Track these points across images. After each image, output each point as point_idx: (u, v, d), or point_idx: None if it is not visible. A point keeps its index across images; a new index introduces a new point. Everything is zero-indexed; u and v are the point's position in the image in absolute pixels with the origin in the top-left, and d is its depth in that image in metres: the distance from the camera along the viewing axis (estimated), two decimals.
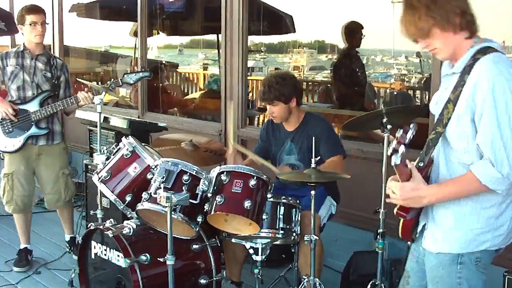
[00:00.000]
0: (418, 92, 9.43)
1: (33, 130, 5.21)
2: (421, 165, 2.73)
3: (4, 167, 5.41)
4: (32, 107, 5.20)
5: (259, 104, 8.45)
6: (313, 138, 4.12)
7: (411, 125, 2.53)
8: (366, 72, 8.53)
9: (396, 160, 2.51)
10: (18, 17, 5.29)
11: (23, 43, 5.34)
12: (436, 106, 2.79)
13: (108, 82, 5.20)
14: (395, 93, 9.52)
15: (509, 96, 2.47)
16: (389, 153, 2.54)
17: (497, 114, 2.47)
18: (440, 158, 2.76)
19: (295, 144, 4.56)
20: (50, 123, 5.32)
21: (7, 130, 5.21)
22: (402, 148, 2.50)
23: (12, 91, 5.28)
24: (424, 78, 8.65)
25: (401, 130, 2.54)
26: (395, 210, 2.79)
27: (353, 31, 7.59)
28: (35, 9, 5.28)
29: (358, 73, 7.85)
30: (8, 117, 5.14)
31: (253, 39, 11.52)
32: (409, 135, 2.56)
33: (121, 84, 5.16)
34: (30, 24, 5.20)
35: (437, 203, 2.72)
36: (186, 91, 12.27)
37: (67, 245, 5.67)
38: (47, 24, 5.32)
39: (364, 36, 7.61)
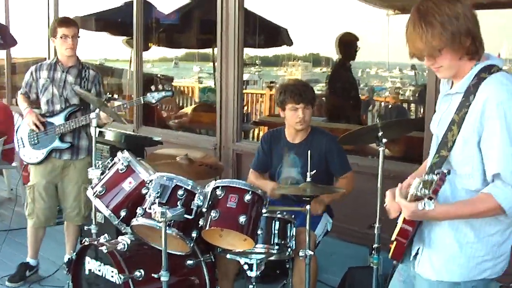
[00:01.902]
0: (413, 105, 9.44)
1: (57, 143, 5.18)
2: None
3: (30, 179, 5.39)
4: (58, 120, 5.17)
5: (254, 118, 8.44)
6: (321, 152, 4.17)
7: (447, 171, 2.33)
8: (362, 85, 8.56)
9: (429, 206, 2.32)
10: (50, 29, 5.28)
11: (56, 56, 5.34)
12: (438, 127, 2.71)
13: (122, 101, 5.18)
14: (390, 106, 9.54)
15: None
16: (418, 194, 2.35)
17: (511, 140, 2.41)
18: (445, 185, 2.52)
19: (299, 157, 4.52)
20: (76, 138, 5.27)
21: (33, 142, 5.21)
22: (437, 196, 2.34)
23: (42, 103, 5.28)
24: (419, 91, 8.66)
25: (436, 176, 2.30)
26: (394, 236, 2.72)
27: (347, 43, 7.58)
28: (66, 22, 5.28)
29: (352, 86, 7.84)
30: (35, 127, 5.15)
31: (248, 52, 11.54)
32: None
33: (142, 102, 5.07)
34: (61, 37, 5.17)
35: (442, 221, 2.62)
36: (181, 104, 12.28)
37: (65, 266, 5.55)
38: (79, 37, 5.29)
39: (359, 48, 7.61)
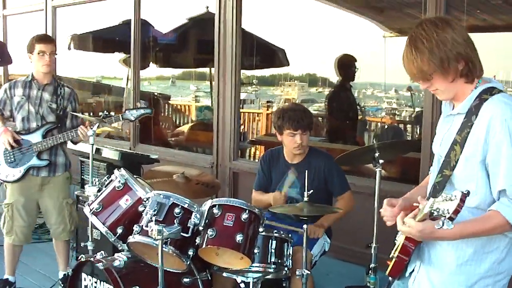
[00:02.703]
0: (409, 126, 9.47)
1: (34, 161, 5.17)
2: None
3: (6, 197, 5.36)
4: (35, 138, 5.16)
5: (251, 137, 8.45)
6: (321, 172, 4.25)
7: (467, 192, 2.31)
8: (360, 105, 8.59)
9: (448, 226, 2.29)
10: (28, 45, 5.26)
11: (32, 73, 5.30)
12: (440, 148, 2.75)
13: (103, 115, 5.15)
14: (386, 127, 9.55)
15: None
16: (435, 213, 2.35)
17: None
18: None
19: (298, 177, 4.55)
20: (54, 155, 5.27)
21: (9, 160, 5.18)
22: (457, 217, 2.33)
23: (17, 121, 5.27)
24: (415, 112, 8.69)
25: (457, 197, 2.29)
26: (396, 254, 2.73)
27: (346, 64, 7.62)
28: (44, 39, 5.30)
29: (351, 107, 7.85)
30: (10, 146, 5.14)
31: (245, 72, 11.58)
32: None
33: (121, 120, 5.11)
34: (39, 53, 5.17)
35: (455, 239, 2.60)
36: (177, 122, 12.29)
37: (60, 283, 5.52)
38: (56, 54, 5.30)
39: (357, 69, 7.65)
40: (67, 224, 5.41)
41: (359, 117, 8.42)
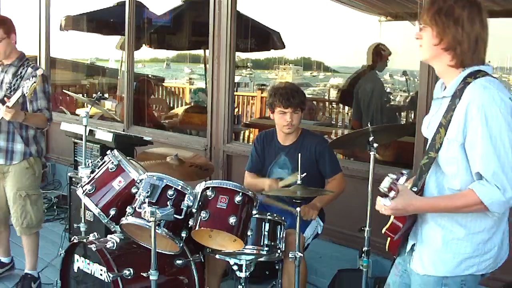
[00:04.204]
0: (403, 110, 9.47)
1: None
2: (415, 189, 2.72)
3: None
4: None
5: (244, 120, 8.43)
6: (312, 154, 4.19)
7: (405, 172, 2.53)
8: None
9: (385, 202, 2.55)
10: None
11: None
12: (427, 130, 2.83)
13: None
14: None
15: (502, 121, 2.50)
16: (381, 191, 2.58)
17: (492, 142, 2.50)
18: (432, 183, 2.76)
19: (289, 158, 4.55)
20: (9, 140, 4.90)
21: None
22: (392, 194, 2.53)
23: None
24: (410, 97, 8.68)
25: (394, 176, 2.55)
26: (384, 230, 2.80)
27: (379, 53, 7.44)
28: None
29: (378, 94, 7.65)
30: None
31: (240, 55, 11.56)
32: (402, 181, 2.58)
33: (23, 93, 4.50)
34: None
35: (425, 213, 2.75)
36: (171, 105, 12.28)
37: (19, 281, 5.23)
38: (5, 37, 4.84)
39: (389, 60, 7.51)
40: (18, 218, 5.01)
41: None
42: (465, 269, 2.68)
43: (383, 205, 2.60)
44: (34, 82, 4.44)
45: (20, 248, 5.35)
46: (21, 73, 4.90)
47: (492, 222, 2.65)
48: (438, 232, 2.72)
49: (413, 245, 2.86)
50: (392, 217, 2.77)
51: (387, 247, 2.95)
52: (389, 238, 2.90)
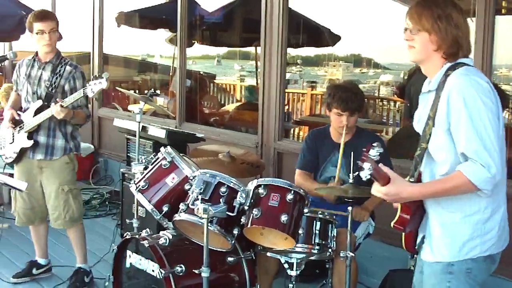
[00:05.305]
0: None
1: (24, 142, 4.94)
2: (412, 180, 2.82)
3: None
4: (27, 118, 4.95)
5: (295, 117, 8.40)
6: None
7: (375, 144, 2.59)
8: None
9: (365, 175, 2.61)
10: (27, 24, 4.95)
11: (36, 51, 5.05)
12: (418, 124, 2.92)
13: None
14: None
15: (480, 103, 2.63)
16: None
17: (473, 123, 2.61)
18: (426, 173, 2.88)
19: (344, 156, 4.47)
20: (50, 136, 4.96)
21: (10, 141, 5.05)
22: (367, 165, 2.58)
23: (22, 101, 5.10)
24: None
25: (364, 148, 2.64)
26: (392, 223, 2.86)
27: None
28: (41, 17, 4.90)
29: None
30: (9, 126, 4.99)
31: (290, 52, 11.54)
32: (373, 152, 2.60)
33: (82, 95, 4.70)
34: (37, 33, 4.86)
35: (420, 198, 2.83)
36: (222, 102, 12.32)
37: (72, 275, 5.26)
38: (57, 31, 4.95)
39: None
40: (61, 212, 5.06)
41: None
42: (468, 251, 2.75)
43: (376, 190, 2.77)
44: (103, 87, 4.57)
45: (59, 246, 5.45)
46: (60, 71, 4.95)
47: (486, 202, 2.73)
48: (435, 218, 2.83)
49: (423, 237, 2.92)
50: (398, 210, 2.84)
51: (403, 244, 2.99)
52: (403, 236, 2.94)
